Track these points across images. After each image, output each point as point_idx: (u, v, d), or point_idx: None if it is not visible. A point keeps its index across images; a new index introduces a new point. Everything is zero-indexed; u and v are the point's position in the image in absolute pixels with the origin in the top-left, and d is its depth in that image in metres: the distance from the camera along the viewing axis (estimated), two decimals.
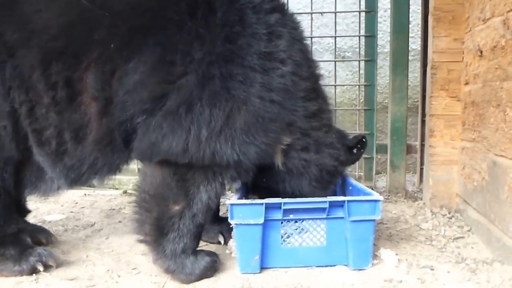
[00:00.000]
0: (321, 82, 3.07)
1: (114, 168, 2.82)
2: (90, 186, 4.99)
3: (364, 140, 3.16)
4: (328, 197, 2.77)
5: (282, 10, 2.78)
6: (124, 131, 2.62)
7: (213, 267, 2.70)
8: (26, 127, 2.66)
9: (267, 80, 2.55)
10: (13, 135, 2.66)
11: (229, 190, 4.51)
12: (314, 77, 2.94)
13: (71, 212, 4.11)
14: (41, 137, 2.67)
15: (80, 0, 2.55)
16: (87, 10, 2.57)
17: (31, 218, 3.56)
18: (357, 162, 5.05)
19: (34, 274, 2.71)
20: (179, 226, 2.62)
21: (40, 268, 2.72)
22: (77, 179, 2.80)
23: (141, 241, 2.71)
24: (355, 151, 3.16)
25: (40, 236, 3.18)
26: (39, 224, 3.53)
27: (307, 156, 2.88)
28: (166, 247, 2.63)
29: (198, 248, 2.78)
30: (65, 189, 2.96)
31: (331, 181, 3.10)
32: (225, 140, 2.50)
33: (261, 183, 2.99)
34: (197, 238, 2.73)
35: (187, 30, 2.54)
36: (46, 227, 3.43)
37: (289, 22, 2.78)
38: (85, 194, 4.74)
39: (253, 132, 2.54)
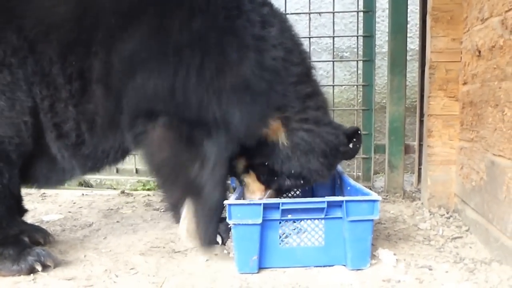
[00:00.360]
0: (312, 67, 3.14)
1: (126, 150, 2.93)
2: (88, 186, 5.00)
3: (359, 132, 3.15)
4: (326, 197, 2.76)
5: (271, 5, 2.92)
6: (126, 104, 2.69)
7: None
8: (47, 122, 2.70)
9: (260, 59, 2.69)
10: (32, 130, 2.68)
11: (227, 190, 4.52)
12: (305, 64, 3.02)
13: (69, 212, 4.10)
14: (61, 130, 2.72)
15: None
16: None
17: (29, 218, 3.56)
18: (355, 162, 5.09)
19: (32, 274, 2.70)
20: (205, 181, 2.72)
21: (39, 268, 2.72)
22: (93, 167, 2.92)
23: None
24: (351, 145, 3.14)
25: (38, 236, 3.18)
26: (37, 224, 3.52)
27: (310, 126, 2.94)
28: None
29: None
30: (78, 177, 3.19)
31: (334, 163, 3.15)
32: (213, 93, 2.61)
33: (269, 173, 3.05)
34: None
35: (188, 5, 2.69)
36: (44, 227, 3.42)
37: (278, 15, 2.93)
38: (83, 194, 4.72)
39: (240, 95, 2.66)
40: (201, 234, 2.76)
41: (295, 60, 2.86)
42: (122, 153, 2.95)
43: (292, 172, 2.98)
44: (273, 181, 3.07)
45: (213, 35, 2.67)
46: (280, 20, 2.91)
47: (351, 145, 3.13)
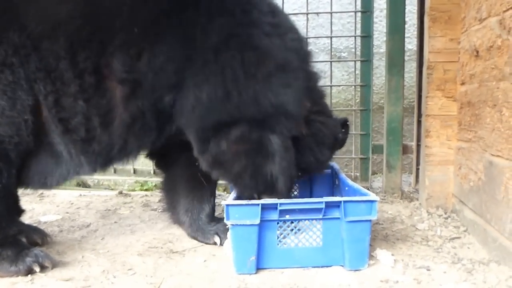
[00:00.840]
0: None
1: (148, 145, 3.02)
2: (86, 186, 5.00)
3: (347, 124, 3.26)
4: (324, 197, 2.76)
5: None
6: (156, 110, 2.77)
7: None
8: (52, 117, 2.69)
9: (282, 42, 2.83)
10: (32, 128, 2.67)
11: (224, 190, 4.53)
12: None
13: (67, 212, 4.09)
14: (68, 125, 2.71)
15: None
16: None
17: (26, 219, 3.55)
18: (353, 163, 5.09)
19: (29, 275, 2.70)
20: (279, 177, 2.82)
21: (37, 268, 2.71)
22: (104, 163, 2.93)
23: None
24: (340, 135, 3.23)
25: (36, 237, 3.17)
26: (34, 224, 3.51)
27: (323, 119, 3.05)
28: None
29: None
30: (86, 174, 3.11)
31: (331, 154, 3.26)
32: (263, 83, 2.73)
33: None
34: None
35: (205, 8, 2.78)
36: (42, 227, 3.41)
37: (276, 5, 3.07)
38: (81, 195, 4.71)
39: (283, 77, 2.79)
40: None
41: (304, 42, 3.10)
42: (147, 147, 3.08)
43: (310, 161, 3.07)
44: None
45: (239, 30, 2.77)
46: (280, 10, 3.11)
47: (340, 135, 3.23)
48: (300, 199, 2.76)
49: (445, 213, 3.71)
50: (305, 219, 2.70)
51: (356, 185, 3.08)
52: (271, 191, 2.83)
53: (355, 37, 5.11)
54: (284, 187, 2.83)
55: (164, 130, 2.87)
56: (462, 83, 3.56)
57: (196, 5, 2.78)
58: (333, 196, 3.40)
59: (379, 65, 5.65)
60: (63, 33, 2.63)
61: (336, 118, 3.24)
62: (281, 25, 2.91)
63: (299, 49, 2.95)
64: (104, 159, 2.88)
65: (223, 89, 2.69)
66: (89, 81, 2.65)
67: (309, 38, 5.08)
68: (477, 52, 3.19)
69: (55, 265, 2.81)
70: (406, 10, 4.47)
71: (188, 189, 3.27)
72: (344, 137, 3.27)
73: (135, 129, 2.77)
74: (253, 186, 2.87)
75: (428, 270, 2.71)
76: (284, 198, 2.75)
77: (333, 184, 3.54)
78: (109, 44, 2.66)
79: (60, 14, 2.66)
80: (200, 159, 2.88)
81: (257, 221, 2.62)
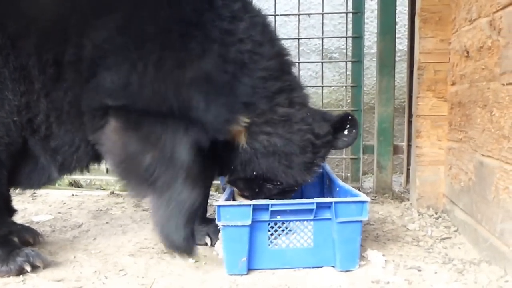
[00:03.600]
0: (291, 63, 3.07)
1: (91, 148, 2.80)
2: (78, 186, 4.99)
3: (350, 117, 3.04)
4: (315, 198, 2.76)
5: (244, 1, 2.88)
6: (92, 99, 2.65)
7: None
8: (23, 118, 2.66)
9: (224, 52, 2.66)
10: (21, 128, 2.67)
11: (216, 191, 4.53)
12: (280, 58, 2.95)
13: (59, 212, 4.08)
14: (33, 124, 2.68)
15: None
16: None
17: (19, 219, 3.55)
18: (343, 163, 5.10)
19: (21, 275, 2.69)
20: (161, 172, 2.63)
21: (28, 268, 2.70)
22: (65, 163, 2.82)
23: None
24: (346, 132, 3.04)
25: (27, 236, 3.17)
26: (27, 224, 3.50)
27: (271, 129, 2.85)
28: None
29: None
30: (56, 178, 2.99)
31: (313, 161, 3.00)
32: (171, 85, 2.58)
33: (235, 175, 3.01)
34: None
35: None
36: (34, 227, 3.40)
37: (251, 10, 2.88)
38: (73, 195, 4.71)
39: (202, 87, 2.63)
40: (166, 236, 2.68)
41: (266, 53, 2.80)
42: (94, 150, 2.83)
43: (259, 176, 2.94)
44: (256, 194, 3.01)
45: (177, 28, 2.67)
46: (252, 15, 2.84)
47: (346, 132, 3.04)
48: (291, 200, 2.76)
49: (436, 213, 3.72)
50: (296, 220, 2.70)
51: (347, 186, 3.08)
52: (151, 188, 2.67)
53: (346, 38, 5.12)
54: (177, 190, 2.63)
55: None
56: (453, 84, 3.57)
57: None
58: (324, 196, 3.39)
59: (370, 65, 5.67)
60: (34, 29, 2.63)
61: (326, 116, 3.05)
62: (234, 33, 2.72)
63: (245, 63, 2.72)
64: (62, 157, 2.80)
65: (124, 80, 2.59)
66: (49, 74, 2.62)
67: (301, 39, 5.08)
68: (468, 52, 3.20)
69: (46, 264, 2.80)
70: (397, 11, 4.49)
71: None
72: (350, 134, 3.04)
73: (81, 126, 2.72)
74: (129, 176, 2.75)
75: (419, 270, 2.71)
76: (179, 206, 2.64)
77: (324, 185, 3.54)
78: (66, 32, 2.63)
79: (33, 11, 2.66)
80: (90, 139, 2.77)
81: (248, 222, 2.62)
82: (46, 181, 2.98)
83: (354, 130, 3.04)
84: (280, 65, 2.90)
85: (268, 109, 2.82)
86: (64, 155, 2.79)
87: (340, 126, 3.02)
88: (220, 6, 2.72)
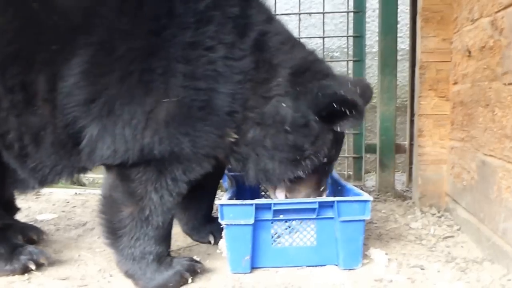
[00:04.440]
0: (270, 54, 2.71)
1: (77, 170, 2.77)
2: (81, 185, 4.99)
3: (344, 97, 2.59)
4: (317, 197, 2.77)
5: None
6: (72, 134, 2.57)
7: (177, 280, 2.58)
8: None
9: (190, 69, 2.47)
10: None
11: (219, 189, 4.52)
12: (257, 47, 2.65)
13: (63, 211, 4.10)
14: (5, 141, 2.62)
15: (31, 3, 2.54)
16: (38, 13, 2.54)
17: (23, 217, 3.58)
18: (346, 162, 5.11)
19: (26, 274, 2.70)
20: (132, 229, 2.56)
21: (32, 266, 2.71)
22: (43, 179, 2.74)
23: (105, 243, 2.69)
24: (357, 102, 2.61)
25: (31, 234, 3.18)
26: (31, 223, 3.52)
27: (260, 121, 2.67)
28: (123, 251, 2.60)
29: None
30: (38, 189, 3.03)
31: (301, 148, 2.69)
32: (151, 135, 2.45)
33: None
34: (161, 242, 2.62)
35: (114, 28, 2.51)
36: (38, 226, 3.42)
37: (223, 3, 2.61)
38: (76, 193, 4.72)
39: (181, 122, 2.48)
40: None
41: (239, 54, 2.59)
42: (78, 171, 2.81)
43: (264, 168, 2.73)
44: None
45: (136, 68, 2.47)
46: (223, 9, 2.58)
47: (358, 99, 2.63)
48: (294, 199, 2.77)
49: (439, 212, 3.72)
50: (299, 219, 2.71)
51: (350, 185, 3.09)
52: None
53: (347, 37, 5.15)
54: (139, 232, 2.57)
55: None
56: (455, 83, 3.57)
57: (109, 21, 2.53)
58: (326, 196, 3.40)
59: (372, 64, 5.67)
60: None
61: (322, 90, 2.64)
62: (199, 43, 2.50)
63: (219, 72, 2.51)
64: (41, 176, 2.71)
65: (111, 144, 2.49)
66: (18, 98, 2.54)
67: (302, 38, 5.07)
68: (470, 52, 3.20)
69: (51, 262, 2.82)
70: (399, 10, 4.50)
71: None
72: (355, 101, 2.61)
73: (62, 151, 2.64)
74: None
75: (422, 269, 2.72)
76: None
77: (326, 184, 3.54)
78: (35, 61, 2.53)
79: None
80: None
81: (251, 221, 2.63)
82: (31, 190, 3.00)
83: (367, 97, 2.83)
84: (257, 58, 2.66)
85: (251, 106, 2.65)
86: (44, 174, 2.70)
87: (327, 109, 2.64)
88: (182, 13, 2.52)
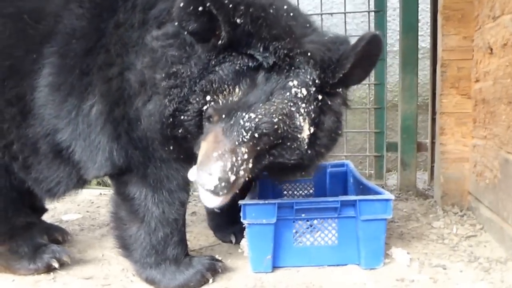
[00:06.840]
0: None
1: (77, 181, 2.75)
2: (106, 185, 5.02)
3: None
4: (339, 196, 2.77)
5: None
6: (54, 145, 2.60)
7: (198, 280, 2.60)
8: (1, 141, 2.66)
9: (124, 80, 2.44)
10: (3, 150, 2.67)
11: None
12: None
13: (87, 211, 4.16)
14: (10, 152, 2.66)
15: (22, 17, 2.58)
16: (25, 26, 2.58)
17: (48, 218, 3.63)
18: (367, 160, 5.09)
19: (51, 273, 2.75)
20: (143, 243, 2.59)
21: (55, 264, 2.75)
22: (48, 191, 2.76)
23: (120, 255, 2.72)
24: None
25: (57, 234, 3.25)
26: (56, 223, 3.58)
27: None
28: (138, 262, 2.63)
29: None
30: (49, 200, 3.06)
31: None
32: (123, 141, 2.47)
33: None
34: (175, 246, 2.63)
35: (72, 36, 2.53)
36: (63, 226, 3.48)
37: None
38: (101, 194, 4.77)
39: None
40: None
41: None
42: (81, 184, 2.80)
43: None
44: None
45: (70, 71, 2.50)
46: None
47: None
48: (315, 198, 2.77)
49: (461, 211, 3.69)
50: (321, 218, 2.71)
51: (371, 183, 3.09)
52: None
53: None
54: (148, 244, 2.59)
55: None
56: (477, 81, 3.55)
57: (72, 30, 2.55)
58: (347, 195, 3.40)
59: (393, 63, 5.64)
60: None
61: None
62: (135, 52, 2.41)
63: (146, 79, 2.33)
64: (47, 187, 2.72)
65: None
66: (15, 110, 2.58)
67: None
68: (491, 49, 3.18)
69: (73, 260, 2.86)
70: (419, 9, 4.49)
71: None
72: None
73: (56, 162, 2.66)
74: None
75: (444, 269, 2.71)
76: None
77: (348, 183, 3.53)
78: (23, 74, 2.57)
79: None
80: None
81: (274, 220, 2.63)
82: (47, 200, 3.06)
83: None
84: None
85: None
86: (48, 185, 2.72)
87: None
88: (125, 15, 2.49)
